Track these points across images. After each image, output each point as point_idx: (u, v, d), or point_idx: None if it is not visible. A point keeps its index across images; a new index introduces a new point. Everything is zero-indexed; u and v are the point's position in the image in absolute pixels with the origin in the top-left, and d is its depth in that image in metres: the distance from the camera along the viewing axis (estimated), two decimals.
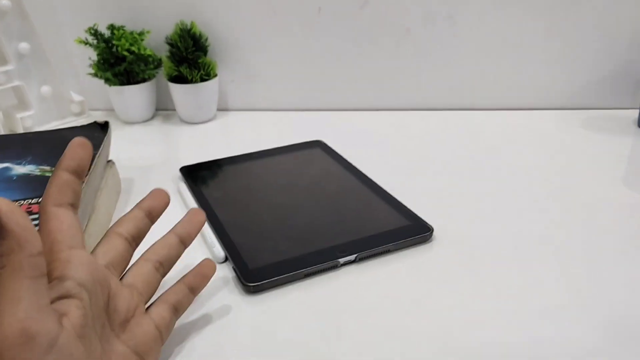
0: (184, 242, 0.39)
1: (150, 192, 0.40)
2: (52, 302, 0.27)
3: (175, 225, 0.40)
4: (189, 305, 0.39)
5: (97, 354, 0.29)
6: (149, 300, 0.37)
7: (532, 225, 0.51)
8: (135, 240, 0.37)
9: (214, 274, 0.40)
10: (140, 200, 0.39)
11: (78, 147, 0.32)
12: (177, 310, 0.37)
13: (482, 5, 0.73)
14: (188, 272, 0.40)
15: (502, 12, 0.73)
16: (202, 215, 0.41)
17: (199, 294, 0.40)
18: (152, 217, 0.39)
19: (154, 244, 0.38)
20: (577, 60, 0.75)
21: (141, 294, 0.36)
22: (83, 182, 0.34)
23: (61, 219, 0.31)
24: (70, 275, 0.29)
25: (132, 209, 0.38)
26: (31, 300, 0.25)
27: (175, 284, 0.39)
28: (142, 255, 0.38)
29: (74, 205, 0.32)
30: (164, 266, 0.38)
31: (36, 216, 0.41)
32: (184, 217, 0.41)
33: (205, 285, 0.40)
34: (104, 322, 0.31)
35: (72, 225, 0.31)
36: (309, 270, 0.45)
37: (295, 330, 0.40)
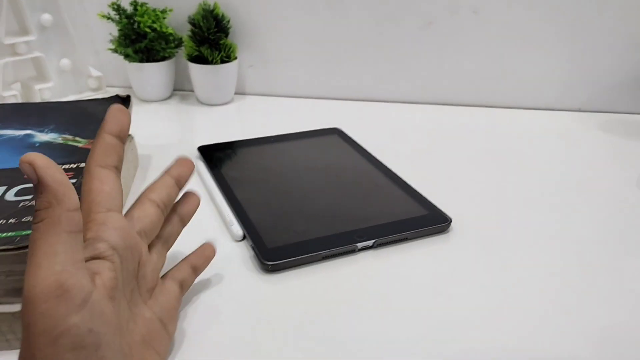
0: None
1: (177, 160, 0.40)
2: (86, 260, 0.27)
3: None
4: (192, 284, 0.39)
5: (126, 316, 0.29)
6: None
7: (547, 221, 0.51)
8: (167, 207, 0.37)
9: (214, 256, 0.41)
10: (168, 168, 0.39)
11: (119, 112, 0.33)
12: (182, 287, 0.38)
13: (508, 3, 0.73)
14: (191, 253, 0.40)
15: (527, 9, 0.73)
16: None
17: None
18: (181, 184, 0.39)
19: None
20: (599, 61, 0.75)
21: (147, 235, 0.35)
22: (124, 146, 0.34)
23: (103, 180, 0.31)
24: (105, 237, 0.29)
25: (162, 176, 0.38)
26: (67, 254, 0.25)
27: (179, 262, 0.39)
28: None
29: (117, 168, 0.32)
30: (167, 207, 0.38)
31: None
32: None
33: (206, 266, 0.40)
34: (133, 287, 0.31)
35: (113, 188, 0.31)
36: (327, 253, 0.45)
37: (310, 310, 0.40)
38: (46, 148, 0.47)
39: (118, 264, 0.29)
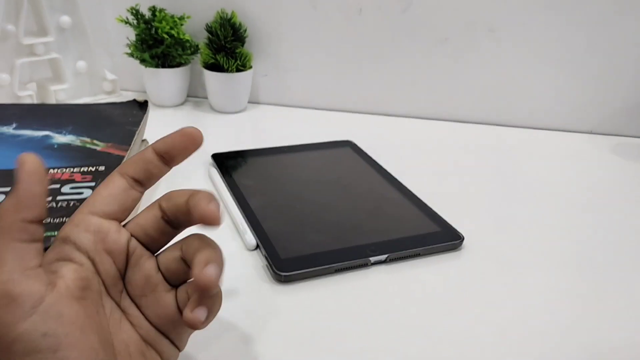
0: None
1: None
2: (51, 262, 0.28)
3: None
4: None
5: (117, 316, 0.29)
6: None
7: (558, 241, 0.51)
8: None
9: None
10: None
11: (178, 135, 0.31)
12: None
13: (524, 22, 0.73)
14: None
15: (543, 29, 0.73)
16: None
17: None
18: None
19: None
20: (612, 84, 0.75)
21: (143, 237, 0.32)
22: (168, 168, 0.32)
23: (108, 184, 0.31)
24: (73, 238, 0.29)
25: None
26: (16, 262, 0.25)
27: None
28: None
29: (136, 181, 0.31)
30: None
31: (82, 184, 0.42)
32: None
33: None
34: (121, 289, 0.31)
35: (111, 194, 0.30)
36: (340, 266, 0.45)
37: (321, 323, 0.40)
38: (65, 150, 0.48)
39: (88, 265, 0.29)
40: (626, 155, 0.72)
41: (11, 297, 0.24)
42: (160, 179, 0.33)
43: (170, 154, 0.32)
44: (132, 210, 0.32)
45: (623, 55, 0.73)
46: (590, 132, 0.79)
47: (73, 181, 0.42)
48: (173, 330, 0.32)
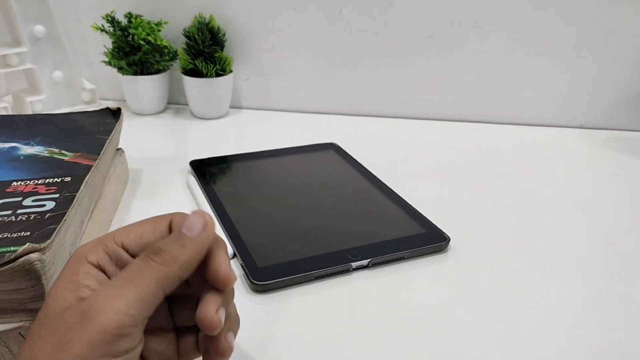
0: None
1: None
2: None
3: None
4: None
5: None
6: None
7: (548, 240, 0.49)
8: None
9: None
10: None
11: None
12: None
13: (509, 17, 0.72)
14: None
15: (529, 24, 0.72)
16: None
17: None
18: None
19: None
20: (602, 78, 0.74)
21: None
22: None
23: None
24: None
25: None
26: (147, 307, 0.25)
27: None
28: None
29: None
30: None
31: (45, 196, 0.40)
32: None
33: None
34: None
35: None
36: (320, 273, 0.43)
37: (301, 333, 0.38)
38: (31, 161, 0.46)
39: None
40: (617, 149, 0.70)
41: (124, 334, 0.24)
42: (139, 188, 0.33)
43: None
44: None
45: (612, 49, 0.72)
46: (581, 127, 0.77)
47: (37, 193, 0.40)
48: None
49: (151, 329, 0.29)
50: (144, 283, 0.25)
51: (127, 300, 0.24)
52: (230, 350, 0.29)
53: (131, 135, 0.70)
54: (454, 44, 0.75)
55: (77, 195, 0.40)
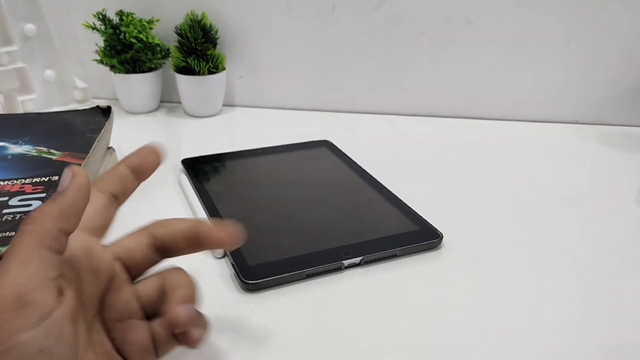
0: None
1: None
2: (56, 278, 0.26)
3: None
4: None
5: (84, 343, 0.27)
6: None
7: (543, 237, 0.49)
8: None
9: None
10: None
11: (150, 152, 0.33)
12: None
13: (502, 12, 0.72)
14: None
15: (522, 19, 0.72)
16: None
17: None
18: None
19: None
20: (595, 73, 0.73)
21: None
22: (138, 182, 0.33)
23: (90, 200, 0.28)
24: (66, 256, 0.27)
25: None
26: (38, 269, 0.24)
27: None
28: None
29: (114, 196, 0.31)
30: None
31: (32, 195, 0.39)
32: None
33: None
34: (94, 313, 0.29)
35: (95, 210, 0.30)
36: (311, 271, 0.43)
37: (293, 332, 0.37)
38: (19, 160, 0.45)
39: (77, 284, 0.27)
40: (611, 144, 0.70)
41: (24, 302, 0.23)
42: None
43: (143, 167, 0.33)
44: (109, 228, 0.32)
45: (604, 44, 0.71)
46: (575, 122, 0.77)
47: (23, 193, 0.39)
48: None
49: (121, 319, 0.30)
50: (23, 249, 0.24)
51: (12, 272, 0.23)
52: (183, 317, 0.29)
53: (123, 134, 0.70)
54: (447, 39, 0.74)
55: None
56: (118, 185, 0.32)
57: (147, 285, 0.31)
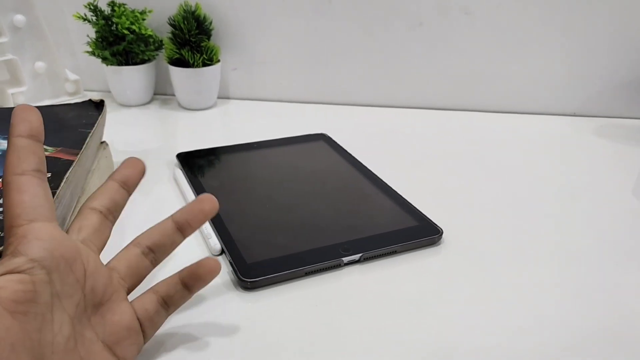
0: (182, 231, 0.35)
1: (124, 162, 0.36)
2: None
3: (177, 211, 0.36)
4: (183, 302, 0.35)
5: (65, 333, 0.27)
6: (133, 287, 0.33)
7: (543, 231, 0.49)
8: (112, 213, 0.34)
9: (212, 277, 0.34)
10: (114, 171, 0.36)
11: (23, 112, 0.29)
12: (167, 304, 0.34)
13: (500, 3, 0.71)
14: (185, 267, 0.35)
15: (520, 10, 0.71)
16: (210, 203, 0.35)
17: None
18: (129, 187, 0.35)
19: (148, 229, 0.35)
20: (594, 65, 0.73)
21: (123, 278, 0.32)
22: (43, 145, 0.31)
23: (23, 188, 0.28)
24: (23, 250, 0.26)
25: (105, 182, 0.35)
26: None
27: (170, 276, 0.35)
28: (133, 239, 0.34)
29: (39, 171, 0.29)
30: (155, 253, 0.34)
31: None
32: (190, 203, 0.36)
33: (200, 286, 0.35)
34: (79, 302, 0.28)
35: (36, 195, 0.28)
36: (310, 269, 0.42)
37: (292, 331, 0.37)
38: None
39: (41, 276, 0.26)
40: (611, 136, 0.69)
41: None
42: None
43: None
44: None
45: (602, 36, 0.70)
46: (574, 115, 0.76)
47: None
48: (122, 343, 0.31)
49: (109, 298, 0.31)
50: None
51: None
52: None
53: (116, 128, 0.69)
54: (444, 30, 0.74)
55: (57, 192, 0.38)
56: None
57: (128, 254, 0.34)
